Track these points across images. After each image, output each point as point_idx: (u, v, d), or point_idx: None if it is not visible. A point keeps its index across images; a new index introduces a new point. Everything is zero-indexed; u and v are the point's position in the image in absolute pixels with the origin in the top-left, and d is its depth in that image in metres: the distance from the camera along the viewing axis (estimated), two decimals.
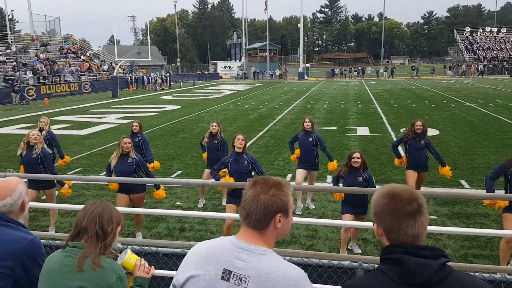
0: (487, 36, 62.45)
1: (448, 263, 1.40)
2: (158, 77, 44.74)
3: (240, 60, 72.37)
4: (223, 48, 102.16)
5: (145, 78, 44.71)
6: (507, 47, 59.15)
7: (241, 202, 1.63)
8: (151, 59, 48.16)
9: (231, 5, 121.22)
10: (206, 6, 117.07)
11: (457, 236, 5.81)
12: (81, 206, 2.21)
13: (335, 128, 15.44)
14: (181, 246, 3.78)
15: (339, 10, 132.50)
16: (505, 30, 63.83)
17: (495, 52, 58.18)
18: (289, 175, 9.23)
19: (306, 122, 7.28)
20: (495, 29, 64.52)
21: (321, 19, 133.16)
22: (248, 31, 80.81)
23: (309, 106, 23.54)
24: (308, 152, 7.23)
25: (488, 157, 10.30)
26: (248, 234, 1.60)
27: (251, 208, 1.58)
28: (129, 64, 49.02)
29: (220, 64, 71.46)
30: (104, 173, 9.72)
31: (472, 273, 3.67)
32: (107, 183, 8.76)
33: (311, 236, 6.06)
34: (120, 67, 44.07)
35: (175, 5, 70.14)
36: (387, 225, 1.45)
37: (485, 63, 54.16)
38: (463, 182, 8.45)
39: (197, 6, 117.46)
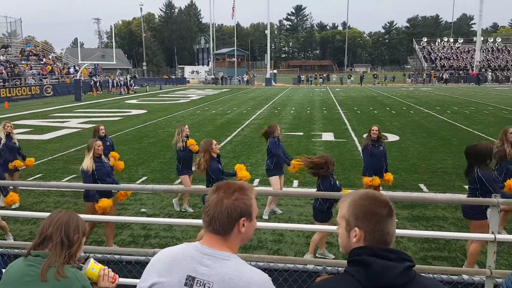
0: (444, 46, 65.33)
1: (413, 267, 1.43)
2: (123, 80, 43.81)
3: (208, 65, 72.13)
4: (190, 52, 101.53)
5: (110, 81, 43.74)
6: (463, 57, 62.08)
7: (204, 208, 1.62)
8: (116, 63, 47.21)
9: (198, 10, 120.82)
10: (173, 10, 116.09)
11: (417, 238, 6.01)
12: (42, 214, 2.17)
13: (301, 133, 15.67)
14: (145, 253, 3.74)
15: (305, 18, 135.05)
16: (461, 41, 67.03)
17: (451, 61, 60.92)
18: (257, 180, 9.29)
19: (279, 128, 7.44)
20: (452, 40, 67.69)
21: (288, 26, 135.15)
22: (216, 36, 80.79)
23: (276, 111, 23.76)
24: (282, 158, 7.36)
25: (446, 162, 10.75)
26: (212, 240, 1.59)
27: (214, 214, 1.57)
28: (93, 67, 47.86)
29: (188, 69, 70.95)
30: (67, 179, 9.43)
31: (431, 275, 3.84)
32: (69, 189, 8.54)
33: (278, 240, 6.12)
34: (87, 70, 42.95)
35: (141, 8, 69.14)
36: (372, 226, 1.46)
37: (443, 71, 56.55)
38: (422, 186, 8.77)
39: (164, 10, 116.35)
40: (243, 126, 17.90)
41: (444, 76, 53.43)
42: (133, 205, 7.72)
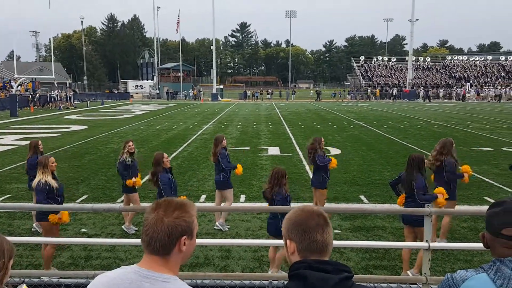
0: (379, 65, 69.44)
1: (351, 278, 1.47)
2: (63, 95, 41.87)
3: (152, 79, 71.08)
4: (134, 67, 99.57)
5: (47, 96, 41.61)
6: (397, 75, 66.22)
7: (143, 227, 1.57)
8: (55, 77, 45.17)
9: (142, 24, 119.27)
10: (115, 24, 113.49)
11: (358, 248, 6.22)
12: None
13: (248, 148, 15.81)
14: (86, 276, 3.61)
15: (250, 35, 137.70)
16: (394, 59, 71.62)
17: (386, 78, 64.77)
18: (203, 196, 9.22)
19: (225, 140, 7.58)
20: (386, 58, 72.19)
21: (233, 42, 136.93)
22: (161, 51, 79.85)
23: (223, 126, 23.81)
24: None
25: (383, 174, 11.30)
26: (151, 261, 1.53)
27: (154, 233, 1.51)
28: (30, 81, 45.42)
29: (131, 83, 69.45)
30: (2, 199, 8.81)
31: (372, 284, 4.01)
32: (2, 210, 7.98)
33: (225, 257, 6.08)
34: (24, 84, 40.54)
35: (82, 21, 67.20)
36: (299, 235, 1.52)
37: (378, 88, 59.76)
38: (362, 197, 9.14)
39: (106, 24, 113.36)
40: (189, 141, 17.75)
41: (393, 92, 56.62)
42: (73, 225, 7.36)
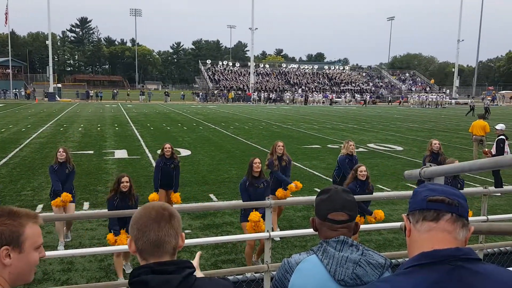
0: (225, 69, 72.64)
1: (193, 273, 1.43)
2: None
3: None
4: None
5: None
6: (240, 79, 70.20)
7: None
8: None
9: None
10: None
11: (208, 245, 6.47)
12: None
13: (91, 152, 14.81)
14: None
15: (91, 31, 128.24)
16: (238, 65, 75.82)
17: (231, 82, 68.14)
18: (40, 206, 8.34)
19: (60, 152, 6.86)
20: (231, 63, 75.97)
21: (72, 38, 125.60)
22: None
23: (62, 129, 21.74)
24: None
25: (231, 172, 11.91)
26: None
27: None
28: None
29: None
30: None
31: (218, 278, 4.23)
32: None
33: (67, 269, 5.65)
34: None
35: None
36: (136, 234, 1.44)
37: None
38: (212, 196, 9.48)
39: None
40: (22, 146, 15.78)
41: (272, 96, 59.90)
42: None
